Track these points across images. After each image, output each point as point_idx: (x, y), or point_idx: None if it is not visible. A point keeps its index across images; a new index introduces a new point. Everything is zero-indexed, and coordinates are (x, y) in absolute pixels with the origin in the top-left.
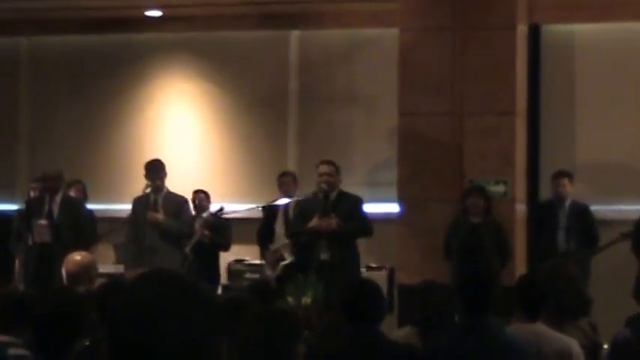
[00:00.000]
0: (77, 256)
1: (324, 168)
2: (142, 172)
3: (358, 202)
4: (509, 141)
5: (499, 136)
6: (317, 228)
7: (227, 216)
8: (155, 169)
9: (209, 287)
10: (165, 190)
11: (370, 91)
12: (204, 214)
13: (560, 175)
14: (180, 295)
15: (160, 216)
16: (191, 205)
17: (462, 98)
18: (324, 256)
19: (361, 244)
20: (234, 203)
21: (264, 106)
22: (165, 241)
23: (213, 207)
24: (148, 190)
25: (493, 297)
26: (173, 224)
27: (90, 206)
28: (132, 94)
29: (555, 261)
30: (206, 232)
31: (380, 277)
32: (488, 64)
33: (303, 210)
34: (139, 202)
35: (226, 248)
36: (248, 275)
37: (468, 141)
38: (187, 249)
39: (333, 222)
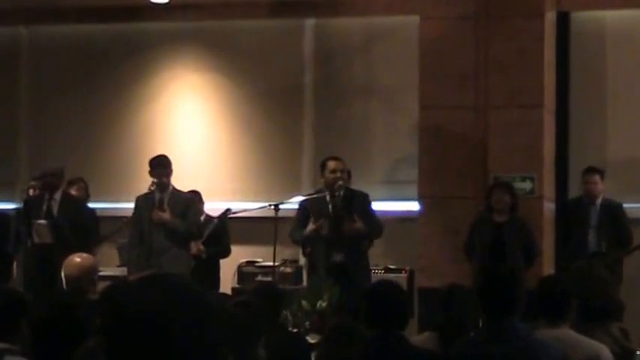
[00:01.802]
0: (77, 259)
1: (334, 163)
2: (147, 169)
3: (367, 199)
4: (536, 135)
5: (526, 131)
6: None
7: (238, 215)
8: (161, 165)
9: (215, 293)
10: (171, 187)
11: (390, 83)
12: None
13: (590, 171)
14: (183, 301)
15: (166, 215)
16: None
17: (487, 90)
18: (337, 257)
19: (379, 244)
20: (245, 202)
21: (277, 100)
22: (171, 243)
23: (211, 205)
24: (153, 187)
25: (517, 299)
26: (180, 224)
27: (92, 205)
28: (137, 87)
29: (584, 262)
30: (201, 247)
31: (399, 280)
32: (514, 55)
33: (309, 211)
34: (143, 201)
35: (225, 255)
36: (260, 278)
37: (493, 136)
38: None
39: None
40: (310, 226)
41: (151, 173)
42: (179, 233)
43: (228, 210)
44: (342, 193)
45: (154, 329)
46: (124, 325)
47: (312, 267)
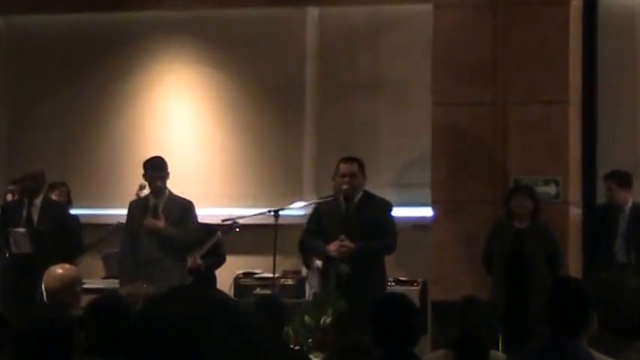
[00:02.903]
0: (59, 270)
1: (345, 167)
2: (136, 172)
3: (386, 207)
4: (560, 134)
5: (549, 129)
6: (328, 253)
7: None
8: (155, 168)
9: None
10: (167, 192)
11: (400, 77)
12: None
13: (606, 177)
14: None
15: (160, 223)
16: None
17: (506, 85)
18: (343, 269)
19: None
20: (242, 208)
21: (276, 96)
22: (164, 253)
23: (204, 212)
24: (143, 192)
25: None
26: (175, 233)
27: (75, 212)
28: (125, 82)
29: (611, 272)
30: (199, 261)
31: (411, 293)
32: (536, 45)
33: (321, 217)
34: (137, 207)
35: (220, 265)
36: (258, 291)
37: (513, 134)
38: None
39: (347, 245)
40: (332, 246)
41: (145, 176)
42: (173, 243)
43: (235, 223)
44: (358, 198)
45: (189, 343)
46: (155, 342)
47: (323, 279)
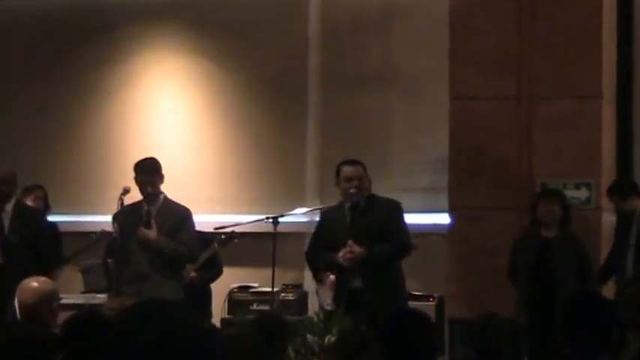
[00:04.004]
0: (34, 283)
1: (349, 170)
2: (120, 173)
3: (396, 208)
4: (593, 132)
5: (580, 127)
6: (336, 262)
7: (228, 230)
8: (144, 173)
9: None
10: (162, 198)
11: (413, 69)
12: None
13: (608, 193)
14: (181, 328)
15: (151, 233)
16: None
17: (532, 78)
18: (355, 283)
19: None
20: (237, 214)
21: (276, 90)
22: (153, 268)
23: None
24: (127, 197)
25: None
26: (167, 245)
27: (52, 218)
28: (106, 74)
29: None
30: (193, 275)
31: (426, 309)
32: (565, 33)
33: (326, 225)
34: (127, 216)
35: (217, 278)
36: (255, 307)
37: (540, 132)
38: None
39: (355, 251)
40: (341, 253)
41: (137, 180)
42: (165, 256)
43: (232, 235)
44: (363, 202)
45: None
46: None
47: (336, 295)
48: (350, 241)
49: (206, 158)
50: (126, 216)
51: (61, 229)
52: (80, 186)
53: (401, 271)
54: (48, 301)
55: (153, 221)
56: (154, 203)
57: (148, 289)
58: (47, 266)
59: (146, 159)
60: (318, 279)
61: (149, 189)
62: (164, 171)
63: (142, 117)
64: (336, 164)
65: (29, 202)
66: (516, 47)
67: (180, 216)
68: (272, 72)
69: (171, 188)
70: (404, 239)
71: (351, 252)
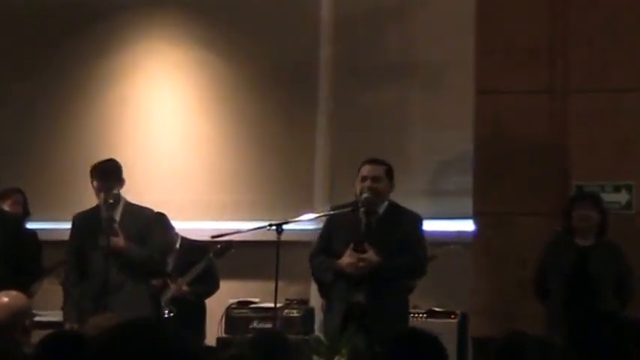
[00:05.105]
0: (4, 298)
1: (367, 169)
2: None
3: (419, 223)
4: (633, 129)
5: (618, 123)
6: (343, 268)
7: (227, 239)
8: (102, 177)
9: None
10: (123, 202)
11: (433, 60)
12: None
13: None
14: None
15: (120, 241)
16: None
17: (566, 69)
18: (357, 296)
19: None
20: (237, 221)
21: (282, 82)
22: (128, 277)
23: (190, 225)
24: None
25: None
26: (137, 252)
27: (32, 225)
28: (96, 67)
29: None
30: (185, 289)
31: (447, 327)
32: (601, 22)
33: (334, 232)
34: (85, 220)
35: (213, 292)
36: (256, 325)
37: (575, 129)
38: (163, 302)
39: (370, 259)
40: (346, 259)
41: (94, 185)
42: (135, 264)
43: (229, 245)
44: (382, 209)
45: None
46: None
47: (328, 308)
48: (367, 246)
49: (203, 159)
50: (83, 222)
51: (41, 237)
52: (63, 190)
53: (407, 293)
54: (20, 317)
55: (116, 227)
56: (114, 208)
57: (120, 302)
58: (26, 278)
59: (102, 162)
60: (325, 295)
61: (105, 196)
62: (157, 173)
63: (134, 114)
64: (353, 162)
65: (6, 207)
66: (548, 37)
67: (148, 219)
68: (278, 63)
69: (164, 191)
70: (421, 259)
71: (364, 259)
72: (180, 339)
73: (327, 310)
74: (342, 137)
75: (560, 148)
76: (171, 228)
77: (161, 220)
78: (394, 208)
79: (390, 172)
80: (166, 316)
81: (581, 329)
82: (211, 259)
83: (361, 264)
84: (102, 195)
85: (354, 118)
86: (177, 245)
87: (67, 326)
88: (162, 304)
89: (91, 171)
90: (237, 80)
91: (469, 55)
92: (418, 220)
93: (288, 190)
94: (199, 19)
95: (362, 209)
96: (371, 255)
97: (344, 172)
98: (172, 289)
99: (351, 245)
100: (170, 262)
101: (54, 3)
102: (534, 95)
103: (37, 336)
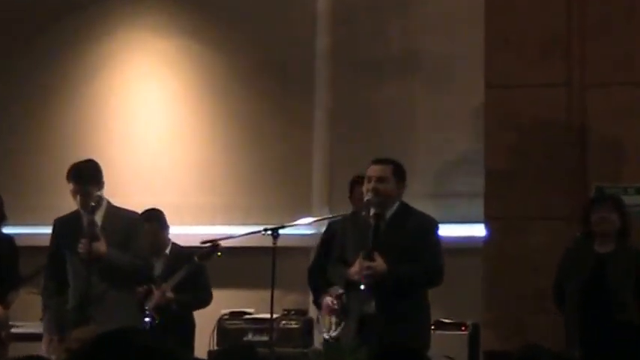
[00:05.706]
0: None
1: (372, 169)
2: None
3: (431, 226)
4: None
5: None
6: (347, 278)
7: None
8: (79, 180)
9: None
10: (105, 204)
11: (439, 53)
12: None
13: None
14: None
15: (102, 246)
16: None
17: (583, 62)
18: (367, 307)
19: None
20: (230, 225)
21: (277, 76)
22: (110, 284)
23: (179, 230)
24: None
25: None
26: (120, 258)
27: (8, 230)
28: (77, 59)
29: None
30: (169, 295)
31: (458, 340)
32: (622, 11)
33: (337, 235)
34: (65, 224)
35: (203, 304)
36: (250, 337)
37: (594, 126)
38: (148, 308)
39: (377, 267)
40: (354, 267)
41: (71, 188)
42: (119, 271)
43: (215, 247)
44: (392, 211)
45: None
46: None
47: (345, 318)
48: (375, 253)
49: (193, 159)
50: (64, 226)
51: (19, 242)
52: (42, 192)
53: (426, 300)
54: None
55: (98, 231)
56: (96, 211)
57: (102, 312)
58: (2, 287)
59: (82, 162)
60: (318, 303)
61: (86, 198)
62: (143, 174)
63: (118, 110)
64: (354, 162)
65: None
66: (565, 28)
67: (132, 223)
68: (273, 55)
69: (151, 193)
70: (437, 265)
71: (370, 267)
72: (165, 350)
73: (342, 321)
74: (341, 135)
75: (578, 147)
76: (166, 227)
77: (157, 217)
78: (404, 210)
79: (398, 172)
80: (148, 324)
81: (596, 339)
82: (197, 264)
83: (365, 272)
84: (78, 198)
85: (354, 115)
86: (167, 251)
87: (47, 338)
88: (147, 312)
89: (67, 172)
90: (230, 74)
91: (478, 46)
92: (433, 225)
93: (284, 192)
94: (188, 9)
95: (366, 213)
96: (379, 264)
97: (344, 172)
98: (156, 295)
99: (362, 254)
100: (158, 267)
101: None
102: (550, 90)
103: (14, 349)
